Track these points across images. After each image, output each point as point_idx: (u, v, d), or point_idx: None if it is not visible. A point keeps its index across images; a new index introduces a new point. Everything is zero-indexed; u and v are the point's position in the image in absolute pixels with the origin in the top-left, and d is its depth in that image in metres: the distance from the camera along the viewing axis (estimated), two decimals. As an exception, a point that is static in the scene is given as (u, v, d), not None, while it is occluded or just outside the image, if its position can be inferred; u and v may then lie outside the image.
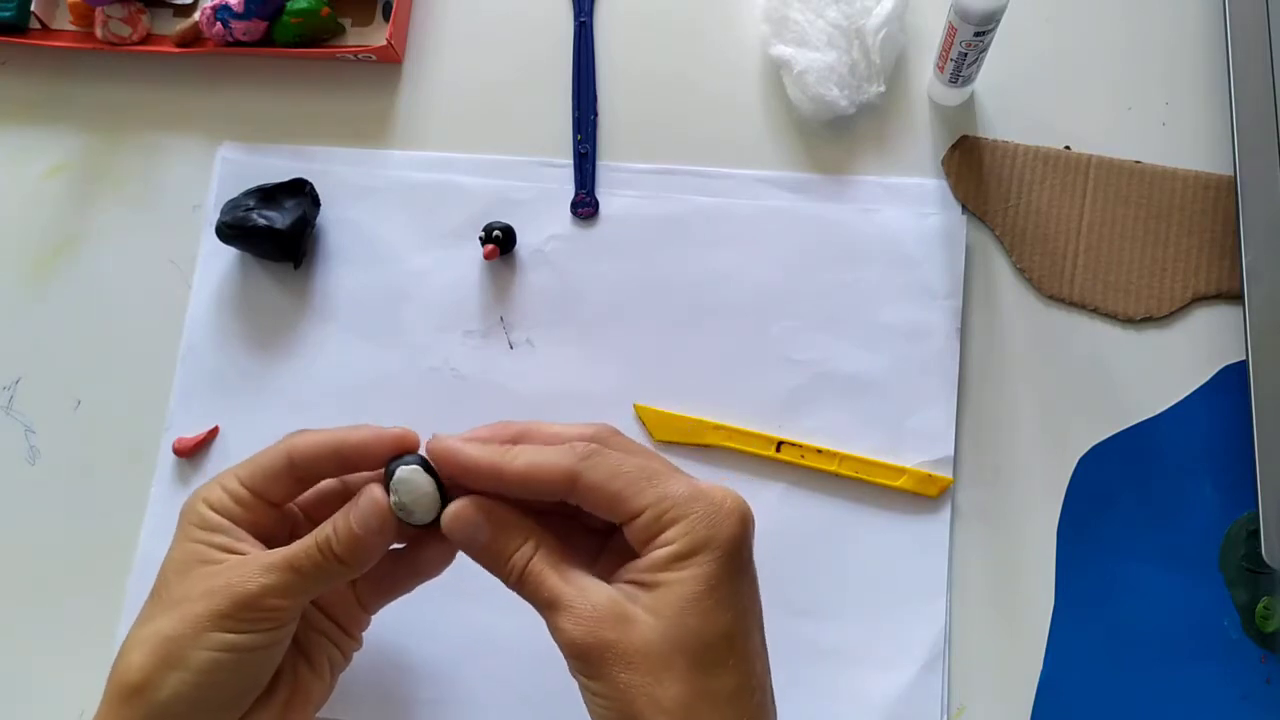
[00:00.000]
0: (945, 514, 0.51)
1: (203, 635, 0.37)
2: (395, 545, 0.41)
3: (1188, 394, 0.52)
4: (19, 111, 0.61)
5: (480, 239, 0.56)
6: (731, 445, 0.53)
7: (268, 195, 0.56)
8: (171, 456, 0.54)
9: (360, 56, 0.59)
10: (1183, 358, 0.53)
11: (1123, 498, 0.51)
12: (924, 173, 0.56)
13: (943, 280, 0.54)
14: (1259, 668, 0.49)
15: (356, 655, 0.46)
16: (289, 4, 0.58)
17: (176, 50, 0.59)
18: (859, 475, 0.52)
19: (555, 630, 0.36)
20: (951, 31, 0.51)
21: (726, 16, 0.60)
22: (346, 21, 0.60)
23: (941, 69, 0.54)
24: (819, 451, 0.52)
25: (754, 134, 0.58)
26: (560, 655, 0.36)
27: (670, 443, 0.53)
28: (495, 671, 0.50)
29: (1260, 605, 0.49)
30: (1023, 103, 0.57)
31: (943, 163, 0.56)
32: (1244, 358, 0.51)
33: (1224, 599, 0.50)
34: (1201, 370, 0.53)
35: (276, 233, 0.54)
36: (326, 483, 0.43)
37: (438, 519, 0.39)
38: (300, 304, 0.56)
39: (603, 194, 0.57)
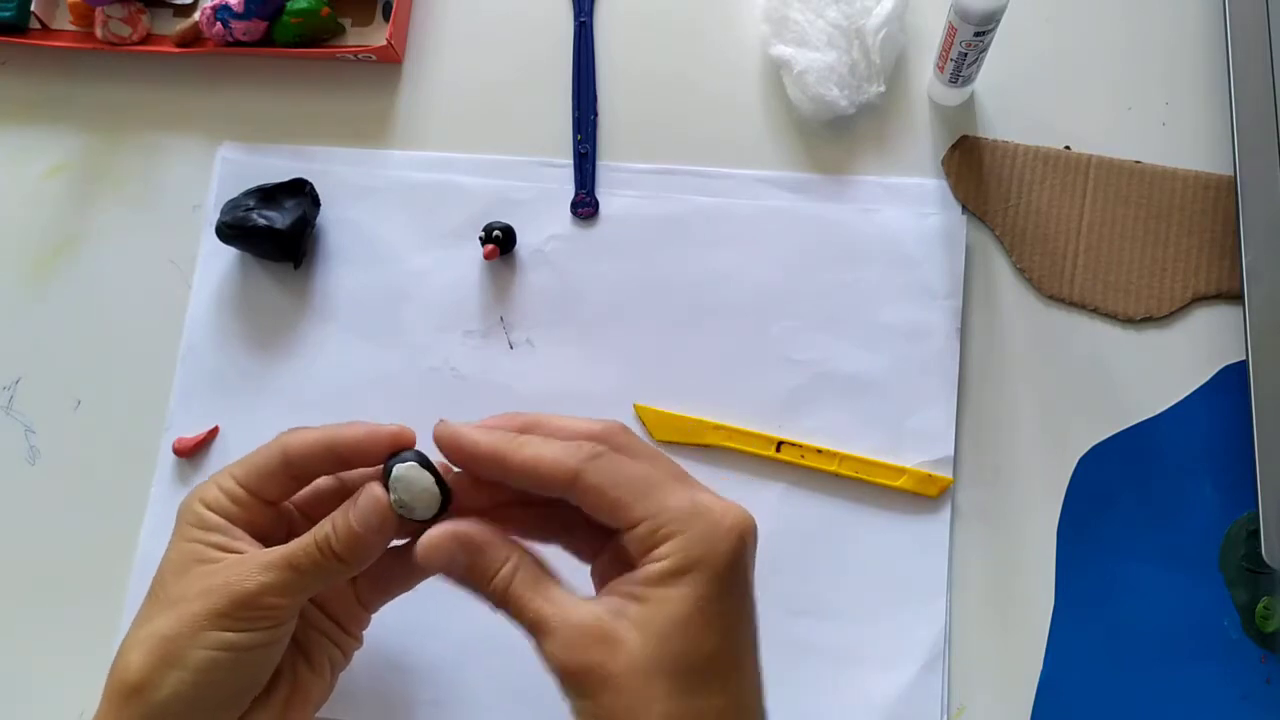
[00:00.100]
0: (945, 514, 0.51)
1: (201, 634, 0.37)
2: (396, 542, 0.41)
3: (1188, 394, 0.52)
4: (19, 111, 0.61)
5: (480, 239, 0.56)
6: (731, 445, 0.53)
7: (268, 195, 0.56)
8: (171, 456, 0.54)
9: (360, 56, 0.59)
10: (1183, 358, 0.53)
11: (1123, 498, 0.51)
12: (924, 173, 0.56)
13: (943, 280, 0.54)
14: (1259, 668, 0.49)
15: (356, 655, 0.46)
16: (289, 4, 0.58)
17: (176, 50, 0.59)
18: (859, 475, 0.52)
19: (540, 652, 0.36)
20: (951, 31, 0.51)
21: (726, 16, 0.60)
22: (346, 21, 0.60)
23: (941, 69, 0.54)
24: (819, 451, 0.52)
25: (754, 134, 0.58)
26: None
27: (670, 443, 0.53)
28: (495, 671, 0.50)
29: (1260, 605, 0.49)
30: (1023, 103, 0.57)
31: (943, 163, 0.56)
32: (1244, 358, 0.51)
33: (1224, 599, 0.50)
34: (1201, 370, 0.53)
35: (276, 233, 0.54)
36: (322, 481, 0.43)
37: (438, 515, 0.39)
38: (300, 304, 0.56)
39: (603, 194, 0.57)
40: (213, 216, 0.56)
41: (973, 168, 0.56)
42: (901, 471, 0.51)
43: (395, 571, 0.44)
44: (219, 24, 0.58)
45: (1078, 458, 0.52)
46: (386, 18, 0.60)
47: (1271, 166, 0.53)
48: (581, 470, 0.36)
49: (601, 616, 0.35)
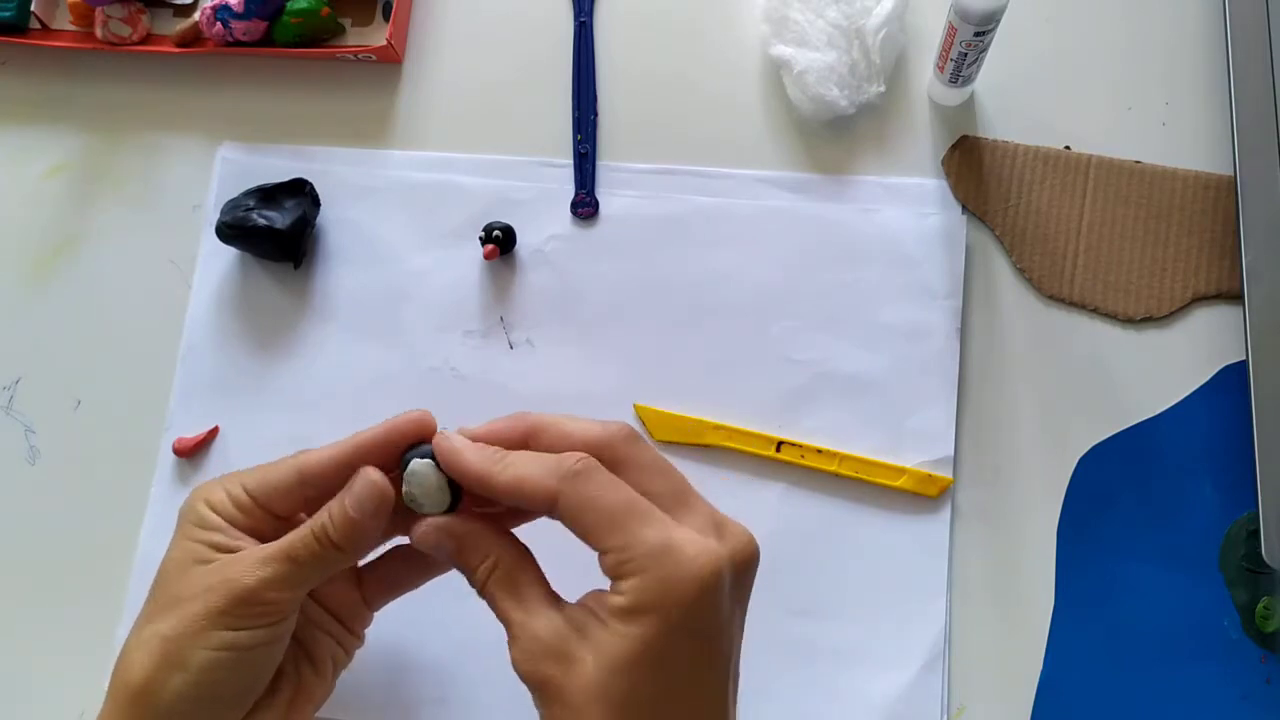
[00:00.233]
0: (945, 514, 0.51)
1: (202, 635, 0.37)
2: (403, 540, 0.41)
3: (1188, 394, 0.52)
4: (19, 111, 0.61)
5: (480, 239, 0.56)
6: (731, 445, 0.53)
7: (268, 195, 0.56)
8: (171, 456, 0.54)
9: (360, 56, 0.59)
10: (1183, 358, 0.53)
11: (1123, 498, 0.51)
12: (924, 173, 0.56)
13: (943, 280, 0.54)
14: (1259, 668, 0.49)
15: (358, 654, 0.46)
16: (289, 4, 0.58)
17: (176, 50, 0.59)
18: (859, 475, 0.52)
19: (509, 653, 0.37)
20: (951, 31, 0.51)
21: (726, 16, 0.60)
22: (346, 21, 0.60)
23: (941, 69, 0.54)
24: (819, 451, 0.52)
25: (754, 134, 0.58)
26: None
27: (670, 443, 0.53)
28: (496, 671, 0.50)
29: (1260, 605, 0.49)
30: (1023, 103, 0.57)
31: (943, 163, 0.56)
32: (1244, 358, 0.51)
33: (1224, 599, 0.50)
34: (1201, 370, 0.53)
35: (276, 233, 0.54)
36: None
37: (447, 513, 0.39)
38: (300, 304, 0.56)
39: (603, 194, 0.57)
40: (213, 216, 0.56)
41: (973, 168, 0.56)
42: (901, 471, 0.52)
43: (402, 570, 0.44)
44: (219, 24, 0.58)
45: (1078, 458, 0.52)
46: (386, 18, 0.60)
47: (1271, 166, 0.53)
48: (560, 492, 0.36)
49: (564, 632, 0.36)
